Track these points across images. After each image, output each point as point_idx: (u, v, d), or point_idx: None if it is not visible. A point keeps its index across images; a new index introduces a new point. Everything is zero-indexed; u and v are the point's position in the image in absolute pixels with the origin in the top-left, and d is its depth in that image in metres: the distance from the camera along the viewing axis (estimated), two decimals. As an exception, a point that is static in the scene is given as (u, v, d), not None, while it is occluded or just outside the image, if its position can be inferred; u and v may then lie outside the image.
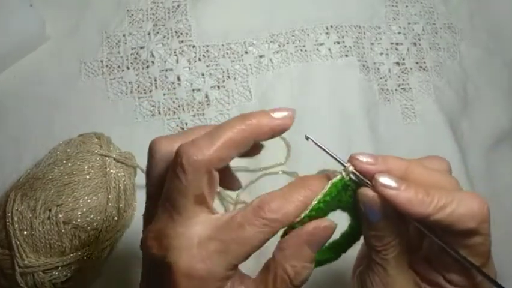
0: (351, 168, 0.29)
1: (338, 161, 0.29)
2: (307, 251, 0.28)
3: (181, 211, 0.27)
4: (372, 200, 0.28)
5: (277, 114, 0.30)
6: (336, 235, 0.31)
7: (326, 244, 0.30)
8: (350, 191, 0.30)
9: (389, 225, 0.29)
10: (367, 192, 0.28)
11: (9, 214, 0.41)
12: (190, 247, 0.26)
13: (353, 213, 0.31)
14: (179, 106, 0.53)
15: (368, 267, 0.31)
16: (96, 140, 0.46)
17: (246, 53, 0.56)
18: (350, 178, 0.29)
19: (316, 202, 0.29)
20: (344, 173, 0.29)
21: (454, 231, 0.28)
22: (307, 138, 0.29)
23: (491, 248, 0.30)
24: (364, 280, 0.31)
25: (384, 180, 0.28)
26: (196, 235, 0.27)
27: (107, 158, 0.45)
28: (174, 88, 0.54)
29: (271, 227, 0.27)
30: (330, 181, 0.29)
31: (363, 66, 0.58)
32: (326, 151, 0.29)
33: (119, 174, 0.45)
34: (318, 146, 0.29)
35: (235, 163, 0.31)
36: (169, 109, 0.53)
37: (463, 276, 0.30)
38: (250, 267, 0.29)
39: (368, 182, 0.29)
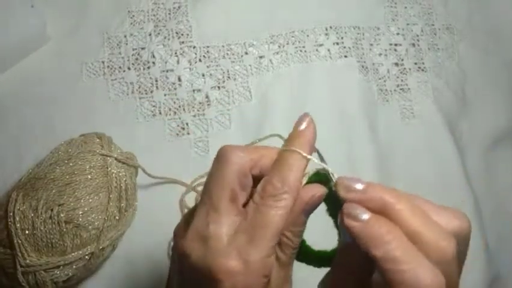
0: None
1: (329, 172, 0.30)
2: (303, 218, 0.29)
3: (217, 206, 0.29)
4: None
5: (302, 126, 0.31)
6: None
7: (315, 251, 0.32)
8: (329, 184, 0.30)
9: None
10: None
11: (11, 214, 0.41)
12: (221, 247, 0.28)
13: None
14: (180, 106, 0.54)
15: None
16: (97, 140, 0.46)
17: (246, 53, 0.56)
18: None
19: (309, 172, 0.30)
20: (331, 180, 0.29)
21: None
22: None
23: None
24: None
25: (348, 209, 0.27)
26: (224, 234, 0.28)
27: (108, 158, 0.45)
28: (175, 88, 0.54)
29: (283, 198, 0.28)
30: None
31: (362, 66, 0.58)
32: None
33: (120, 174, 0.45)
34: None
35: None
36: (170, 109, 0.54)
37: None
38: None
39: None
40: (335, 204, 0.29)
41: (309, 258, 0.32)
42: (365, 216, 0.26)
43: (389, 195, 0.27)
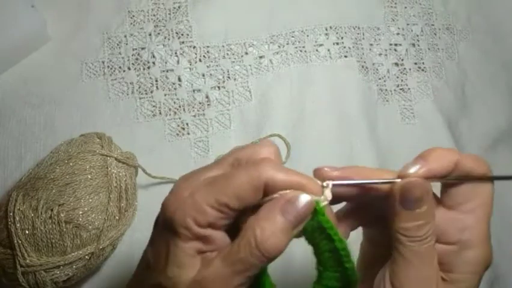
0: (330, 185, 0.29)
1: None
2: (280, 218, 0.27)
3: (220, 163, 0.29)
4: (416, 185, 0.29)
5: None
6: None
7: None
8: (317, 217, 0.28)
9: (429, 209, 0.29)
10: (406, 180, 0.29)
11: (11, 214, 0.41)
12: (193, 181, 0.28)
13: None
14: (180, 106, 0.54)
15: (396, 264, 0.30)
16: (97, 140, 0.46)
17: (246, 53, 0.56)
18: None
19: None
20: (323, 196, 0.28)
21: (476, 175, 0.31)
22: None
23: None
24: (397, 275, 0.30)
25: (411, 169, 0.29)
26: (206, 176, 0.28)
27: (108, 158, 0.45)
28: (175, 89, 0.54)
29: (255, 169, 0.27)
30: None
31: (362, 66, 0.58)
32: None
33: (120, 174, 0.45)
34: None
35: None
36: (170, 109, 0.54)
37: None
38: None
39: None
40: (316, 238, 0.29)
41: None
42: (416, 162, 0.30)
43: None
